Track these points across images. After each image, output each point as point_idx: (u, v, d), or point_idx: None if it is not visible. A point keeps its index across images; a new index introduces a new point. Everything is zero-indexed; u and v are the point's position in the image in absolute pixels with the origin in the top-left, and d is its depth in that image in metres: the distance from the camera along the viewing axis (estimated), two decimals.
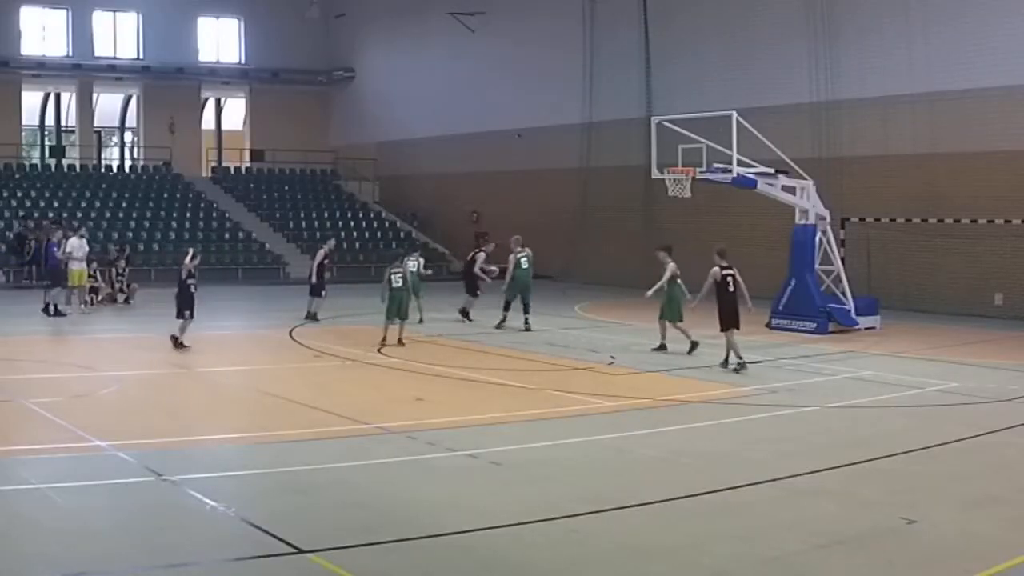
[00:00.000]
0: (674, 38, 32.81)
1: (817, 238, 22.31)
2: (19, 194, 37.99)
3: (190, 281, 18.21)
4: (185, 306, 18.17)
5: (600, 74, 34.92)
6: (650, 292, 18.65)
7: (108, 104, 46.06)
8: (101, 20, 43.31)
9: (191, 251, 18.75)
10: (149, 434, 11.61)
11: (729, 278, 16.67)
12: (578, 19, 35.20)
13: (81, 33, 42.62)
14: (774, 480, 9.93)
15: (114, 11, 43.42)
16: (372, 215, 43.19)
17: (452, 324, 22.42)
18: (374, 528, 8.33)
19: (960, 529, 8.61)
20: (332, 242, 25.48)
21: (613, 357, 17.88)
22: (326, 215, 42.16)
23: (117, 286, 27.04)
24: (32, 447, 10.84)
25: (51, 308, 23.46)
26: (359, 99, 46.16)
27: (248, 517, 8.54)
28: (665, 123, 22.63)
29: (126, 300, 26.96)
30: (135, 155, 45.62)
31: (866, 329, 22.17)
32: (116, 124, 47.19)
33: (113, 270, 27.23)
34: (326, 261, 23.49)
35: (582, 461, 10.86)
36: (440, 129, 40.89)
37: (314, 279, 23.09)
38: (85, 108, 43.97)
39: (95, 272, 26.12)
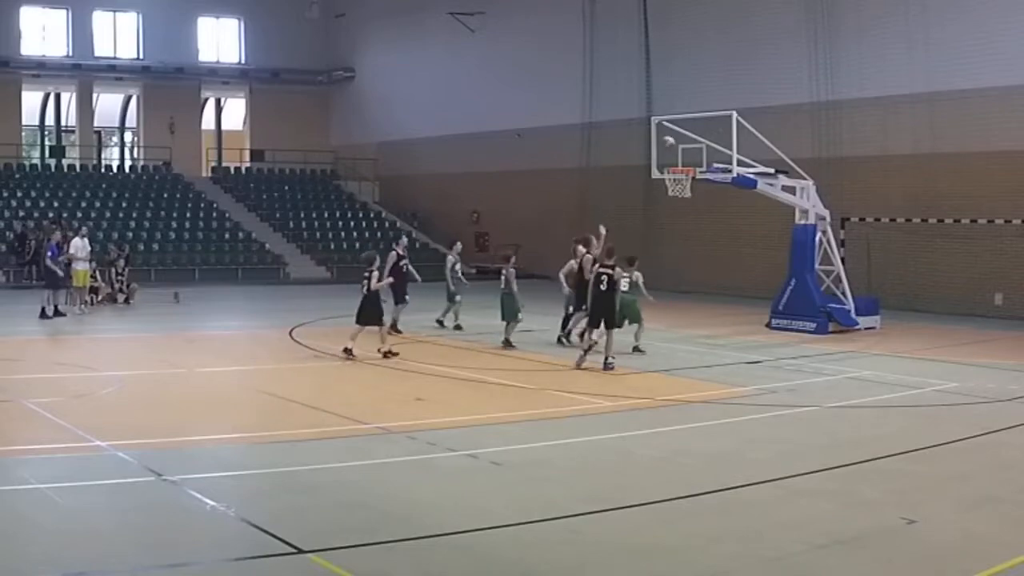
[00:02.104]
0: (674, 38, 32.80)
1: (817, 238, 22.31)
2: (19, 194, 38.02)
3: (375, 288, 17.57)
4: (379, 314, 17.59)
5: (600, 74, 34.92)
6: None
7: (108, 104, 46.07)
8: (101, 20, 43.32)
9: (376, 259, 18.10)
10: (149, 434, 11.59)
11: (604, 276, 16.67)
12: (578, 19, 35.21)
13: (81, 33, 42.63)
14: (774, 480, 9.93)
15: (114, 11, 43.43)
16: (372, 215, 43.20)
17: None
18: (374, 528, 8.33)
19: (960, 529, 8.60)
20: (404, 239, 22.87)
21: (613, 357, 17.85)
22: (326, 215, 42.17)
23: (117, 286, 27.07)
24: (32, 447, 10.83)
25: (47, 311, 22.88)
26: (359, 99, 46.16)
27: (248, 517, 8.54)
28: (665, 123, 22.62)
29: (126, 300, 26.98)
30: (135, 155, 45.64)
31: (866, 329, 22.17)
32: (116, 124, 47.21)
33: (113, 270, 27.25)
34: (401, 263, 20.85)
35: (582, 461, 10.85)
36: (440, 129, 40.88)
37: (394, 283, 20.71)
38: (85, 108, 43.98)
39: (95, 272, 26.15)
